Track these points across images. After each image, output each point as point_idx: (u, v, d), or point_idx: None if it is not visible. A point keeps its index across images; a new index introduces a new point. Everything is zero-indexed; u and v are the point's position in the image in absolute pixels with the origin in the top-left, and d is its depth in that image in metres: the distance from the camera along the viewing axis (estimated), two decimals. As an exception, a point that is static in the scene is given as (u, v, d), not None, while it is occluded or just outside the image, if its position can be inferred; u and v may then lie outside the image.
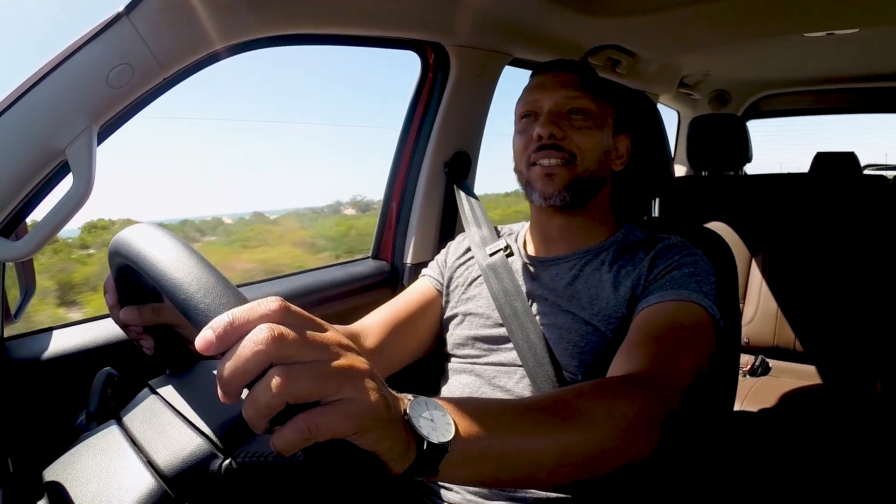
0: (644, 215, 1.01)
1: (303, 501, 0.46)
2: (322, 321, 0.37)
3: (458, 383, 0.83)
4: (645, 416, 0.53)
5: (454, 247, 0.98)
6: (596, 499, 0.72)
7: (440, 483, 0.76)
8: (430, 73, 1.29)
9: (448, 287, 0.93)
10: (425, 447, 0.37)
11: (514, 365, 0.79)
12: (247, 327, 0.32)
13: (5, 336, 0.79)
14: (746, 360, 1.74)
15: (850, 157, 1.79)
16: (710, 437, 0.87)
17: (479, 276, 0.89)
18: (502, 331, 0.81)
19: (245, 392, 0.33)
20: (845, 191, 1.73)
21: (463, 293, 0.90)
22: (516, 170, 0.87)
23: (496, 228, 0.99)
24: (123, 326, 0.60)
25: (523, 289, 0.84)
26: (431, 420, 0.39)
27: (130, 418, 0.52)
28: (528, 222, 0.93)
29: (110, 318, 0.65)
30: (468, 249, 0.95)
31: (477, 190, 1.30)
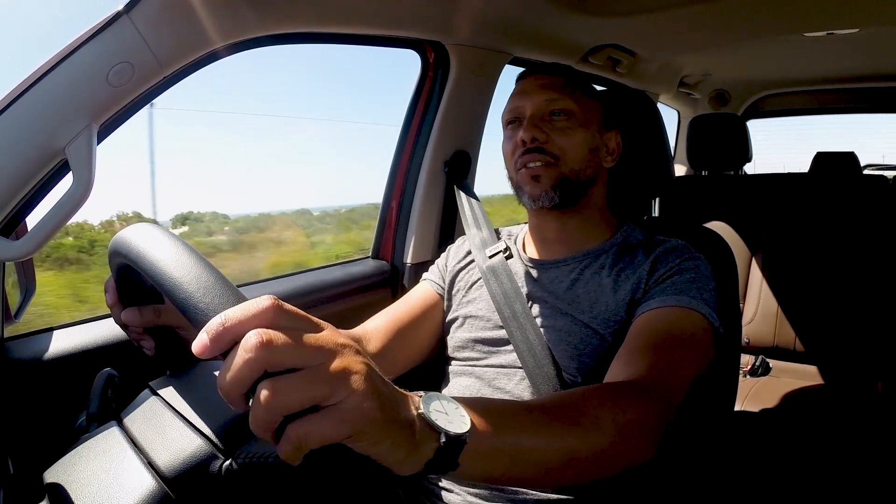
0: (644, 215, 1.01)
1: (303, 501, 0.46)
2: (318, 320, 0.36)
3: (458, 386, 0.83)
4: (647, 424, 0.54)
5: (454, 250, 0.98)
6: (596, 499, 0.72)
7: (440, 483, 0.76)
8: (431, 72, 1.29)
9: (449, 291, 0.93)
10: (443, 440, 0.37)
11: (514, 367, 0.79)
12: (239, 328, 0.32)
13: (5, 336, 0.79)
14: (747, 360, 1.74)
15: (850, 157, 1.79)
16: (710, 437, 0.87)
17: (479, 280, 0.89)
18: (502, 333, 0.81)
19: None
20: (845, 191, 1.73)
21: (464, 296, 0.90)
22: (508, 176, 0.88)
23: (496, 230, 0.99)
24: (124, 327, 0.60)
25: (523, 291, 0.84)
26: (446, 413, 0.38)
27: (131, 419, 0.52)
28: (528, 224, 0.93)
29: (110, 319, 0.65)
30: (468, 253, 0.95)
31: (481, 191, 1.30)
